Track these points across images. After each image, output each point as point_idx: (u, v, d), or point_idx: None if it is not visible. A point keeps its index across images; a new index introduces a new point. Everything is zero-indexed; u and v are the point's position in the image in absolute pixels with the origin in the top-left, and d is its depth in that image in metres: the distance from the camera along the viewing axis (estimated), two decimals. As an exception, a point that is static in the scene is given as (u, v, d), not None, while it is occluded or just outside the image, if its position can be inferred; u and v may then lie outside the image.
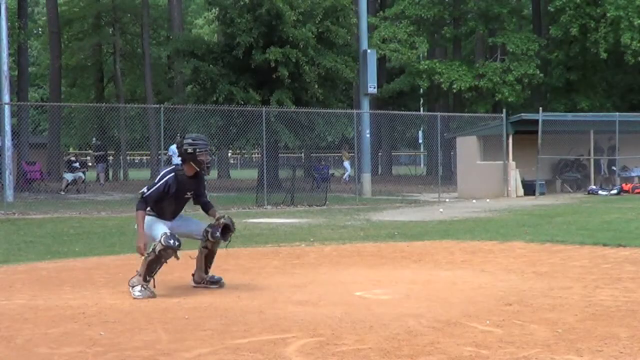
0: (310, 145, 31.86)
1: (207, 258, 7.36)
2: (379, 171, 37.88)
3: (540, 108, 23.93)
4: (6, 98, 20.49)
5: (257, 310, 6.13)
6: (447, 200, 21.84)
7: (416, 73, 32.16)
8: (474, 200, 21.00)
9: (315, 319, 5.77)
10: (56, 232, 13.41)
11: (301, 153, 39.29)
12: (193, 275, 7.44)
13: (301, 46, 24.44)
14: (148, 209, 7.06)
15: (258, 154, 33.09)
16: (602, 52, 28.87)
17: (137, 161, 52.37)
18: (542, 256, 9.40)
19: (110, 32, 40.44)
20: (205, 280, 7.37)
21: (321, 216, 16.59)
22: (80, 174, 25.93)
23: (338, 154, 38.00)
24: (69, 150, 39.69)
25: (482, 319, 5.71)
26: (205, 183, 7.46)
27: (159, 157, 26.01)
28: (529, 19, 37.86)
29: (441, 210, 18.11)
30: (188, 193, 7.23)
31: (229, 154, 44.14)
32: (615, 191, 22.54)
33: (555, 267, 8.44)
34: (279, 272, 8.36)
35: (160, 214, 7.15)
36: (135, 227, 7.08)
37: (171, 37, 31.44)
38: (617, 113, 24.95)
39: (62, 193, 24.27)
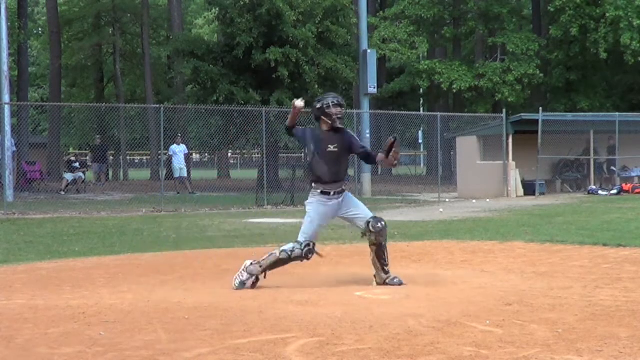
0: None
1: (377, 255, 7.27)
2: (379, 171, 37.86)
3: (540, 108, 23.93)
4: (6, 98, 20.49)
5: (257, 310, 6.13)
6: (447, 200, 21.85)
7: (416, 73, 32.15)
8: (474, 200, 21.00)
9: (315, 319, 5.76)
10: (56, 232, 13.42)
11: (301, 153, 39.25)
12: (374, 277, 7.37)
13: (301, 46, 24.44)
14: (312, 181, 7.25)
15: (258, 154, 33.11)
16: (602, 52, 28.88)
17: (137, 161, 52.39)
18: (542, 256, 9.40)
19: (110, 32, 40.47)
20: (385, 282, 7.29)
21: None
22: (80, 174, 25.93)
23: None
24: (69, 150, 39.72)
25: (482, 319, 5.71)
26: (354, 135, 7.42)
27: (159, 157, 26.03)
28: (529, 19, 37.85)
29: (441, 210, 18.11)
30: (330, 146, 7.17)
31: (229, 154, 44.16)
32: (615, 191, 22.53)
33: (555, 267, 8.44)
34: (279, 272, 8.36)
35: (320, 179, 7.17)
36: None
37: (171, 37, 31.44)
38: (617, 113, 24.95)
39: (62, 193, 24.26)
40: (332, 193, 7.23)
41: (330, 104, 7.17)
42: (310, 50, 24.81)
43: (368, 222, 7.22)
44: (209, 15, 36.70)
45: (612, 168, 24.57)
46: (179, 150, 25.18)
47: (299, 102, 7.12)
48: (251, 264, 7.17)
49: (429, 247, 10.61)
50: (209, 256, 9.89)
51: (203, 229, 13.96)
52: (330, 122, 7.18)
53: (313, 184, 7.25)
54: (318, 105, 7.24)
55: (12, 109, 23.27)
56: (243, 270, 7.14)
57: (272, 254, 7.22)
